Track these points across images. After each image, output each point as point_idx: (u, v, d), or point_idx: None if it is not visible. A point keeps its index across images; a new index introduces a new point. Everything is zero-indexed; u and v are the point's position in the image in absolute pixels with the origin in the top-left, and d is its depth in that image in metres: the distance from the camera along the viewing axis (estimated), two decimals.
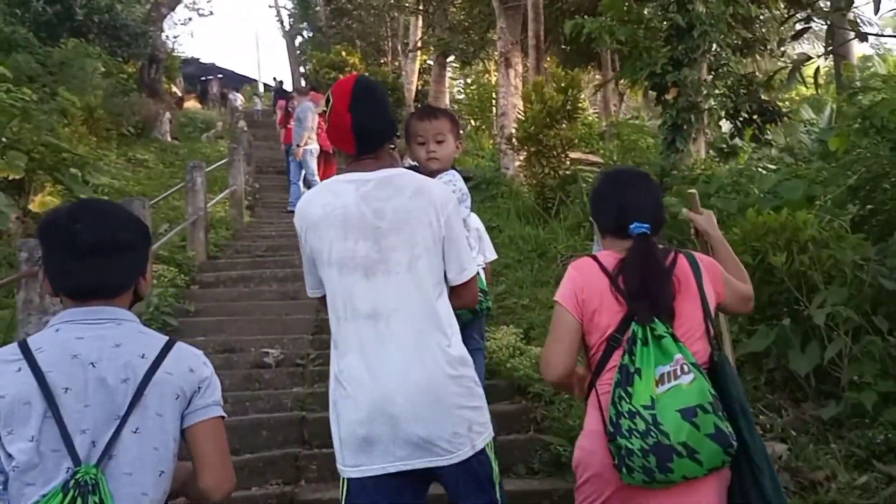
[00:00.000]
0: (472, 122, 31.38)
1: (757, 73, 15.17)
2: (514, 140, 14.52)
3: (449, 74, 32.60)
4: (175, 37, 45.25)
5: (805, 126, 15.12)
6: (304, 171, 16.28)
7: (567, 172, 13.64)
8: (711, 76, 12.87)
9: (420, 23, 29.85)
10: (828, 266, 6.01)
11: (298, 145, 16.23)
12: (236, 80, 52.22)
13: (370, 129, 3.39)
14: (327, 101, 3.45)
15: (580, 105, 14.27)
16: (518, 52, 18.54)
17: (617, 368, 3.07)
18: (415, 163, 4.76)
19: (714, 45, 12.49)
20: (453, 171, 4.84)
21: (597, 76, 26.55)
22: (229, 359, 8.19)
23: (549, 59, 20.47)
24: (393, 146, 3.81)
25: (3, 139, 12.56)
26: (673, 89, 11.95)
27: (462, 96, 37.22)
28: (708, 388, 3.01)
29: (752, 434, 3.13)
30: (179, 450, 2.79)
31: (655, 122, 16.12)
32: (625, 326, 3.11)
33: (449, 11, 27.71)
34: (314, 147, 16.13)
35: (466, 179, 5.03)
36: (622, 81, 18.38)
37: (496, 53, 18.92)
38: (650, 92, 13.31)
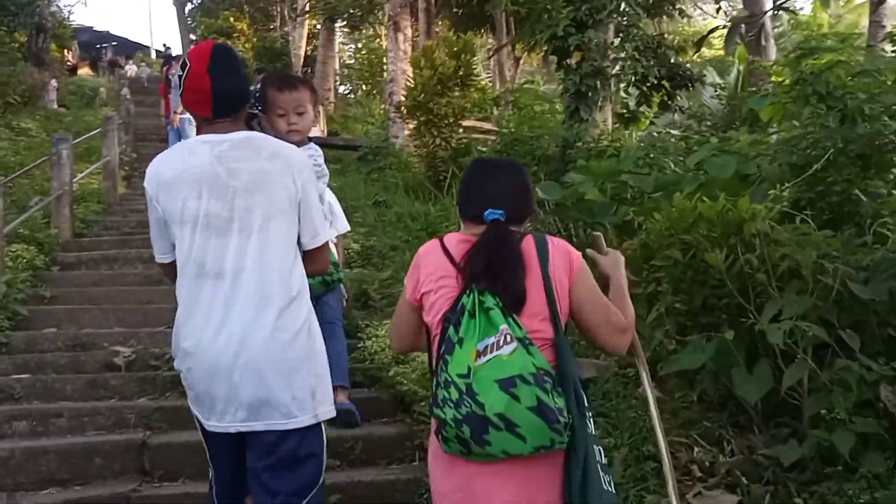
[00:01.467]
0: (363, 87, 30.40)
1: (666, 35, 13.55)
2: (402, 108, 12.66)
3: (339, 39, 31.36)
4: (68, 5, 43.47)
5: (715, 90, 13.52)
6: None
7: (461, 144, 12.06)
8: (619, 38, 11.40)
9: None
10: (783, 267, 4.60)
11: (175, 112, 14.95)
12: (130, 48, 51.13)
13: (228, 92, 3.28)
14: (183, 65, 3.32)
15: (473, 71, 12.64)
16: (407, 16, 16.74)
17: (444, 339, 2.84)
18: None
19: (623, 4, 11.02)
20: (314, 146, 4.74)
21: (490, 40, 25.12)
22: (77, 359, 7.07)
23: (439, 23, 18.94)
24: (255, 115, 3.84)
25: None
26: (576, 53, 10.58)
27: (353, 61, 35.85)
28: (533, 361, 2.69)
29: (582, 420, 2.76)
30: None
31: (552, 88, 14.68)
32: (456, 304, 2.87)
33: None
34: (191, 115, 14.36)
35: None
36: (519, 45, 16.85)
37: (385, 17, 17.18)
38: (551, 56, 11.80)
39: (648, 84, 12.10)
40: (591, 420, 2.85)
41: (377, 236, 10.03)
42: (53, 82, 26.36)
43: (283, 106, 4.50)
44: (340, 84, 31.01)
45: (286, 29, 31.40)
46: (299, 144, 4.14)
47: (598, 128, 10.57)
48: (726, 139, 8.04)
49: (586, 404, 2.83)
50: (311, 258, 3.38)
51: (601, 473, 2.76)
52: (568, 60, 10.71)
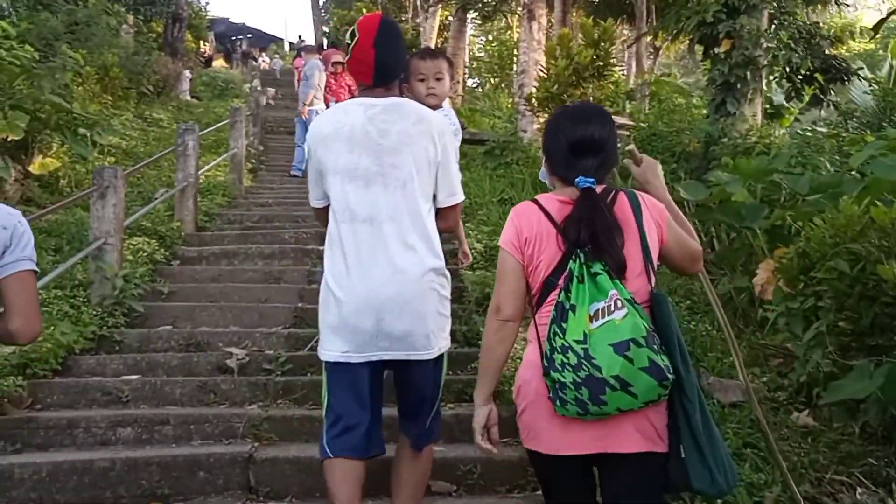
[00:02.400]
0: (491, 80, 29.99)
1: (820, 24, 12.50)
2: (533, 100, 12.03)
3: (470, 32, 30.94)
4: None
5: (869, 85, 12.50)
6: None
7: None
8: (773, 26, 10.54)
9: None
10: None
11: (304, 104, 14.67)
12: (265, 40, 51.81)
13: (389, 63, 3.75)
14: (352, 35, 3.76)
15: (611, 61, 11.96)
16: (542, 3, 15.99)
17: (553, 306, 3.00)
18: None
19: None
20: (448, 107, 5.09)
21: (624, 31, 24.29)
22: (189, 360, 6.78)
23: (575, 11, 18.27)
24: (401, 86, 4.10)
25: (2, 98, 11.48)
26: (726, 41, 9.76)
27: (482, 54, 35.51)
28: (642, 324, 2.88)
29: (688, 369, 2.97)
30: None
31: (690, 82, 13.87)
32: (562, 268, 3.04)
33: None
34: (320, 107, 14.21)
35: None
36: (660, 35, 16.02)
37: (518, 6, 16.56)
38: (696, 46, 11.05)
39: (801, 76, 11.18)
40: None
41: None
42: (187, 73, 26.81)
43: (424, 72, 4.81)
44: (469, 77, 30.53)
45: (417, 20, 31.10)
46: (435, 107, 4.61)
47: (746, 123, 9.77)
48: (884, 136, 7.32)
49: (687, 356, 3.00)
50: (445, 215, 3.83)
51: (711, 418, 3.02)
52: (715, 49, 9.96)
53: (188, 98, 25.83)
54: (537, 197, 3.20)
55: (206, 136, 16.89)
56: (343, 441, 3.66)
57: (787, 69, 10.37)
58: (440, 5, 28.09)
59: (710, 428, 2.97)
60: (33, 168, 11.75)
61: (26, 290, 2.93)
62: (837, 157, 7.86)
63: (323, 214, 3.85)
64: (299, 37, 42.23)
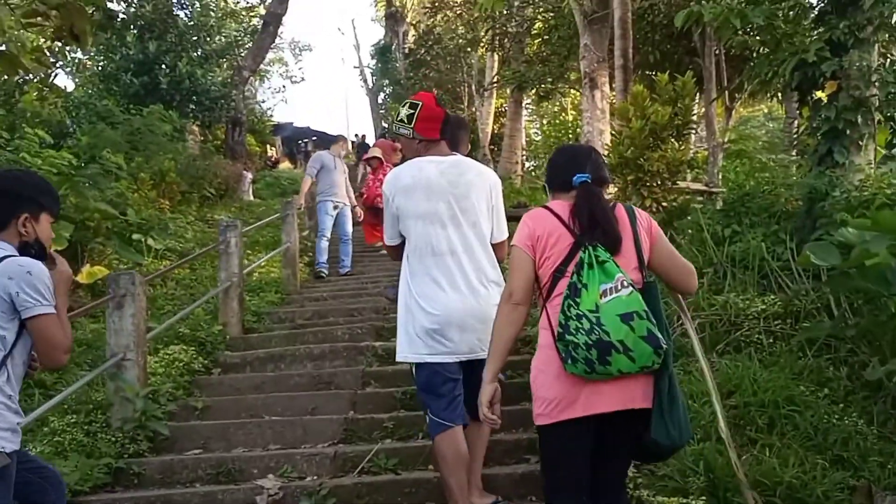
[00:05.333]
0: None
1: None
2: None
3: (525, 117, 29.50)
4: (263, 102, 44.90)
5: None
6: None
7: (674, 204, 9.77)
8: (888, 60, 8.67)
9: (496, 61, 27.26)
10: None
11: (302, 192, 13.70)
12: (328, 141, 51.02)
13: (447, 120, 4.64)
14: (412, 105, 4.59)
15: (692, 119, 10.26)
16: (605, 71, 14.56)
17: (567, 286, 3.40)
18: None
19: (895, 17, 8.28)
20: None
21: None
22: (213, 497, 5.43)
23: (635, 80, 16.77)
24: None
25: None
26: (831, 83, 8.01)
27: (539, 137, 34.22)
28: (642, 302, 3.37)
29: (669, 343, 3.42)
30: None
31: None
32: (570, 258, 3.46)
33: (525, 44, 24.77)
34: (332, 203, 12.89)
35: None
36: (742, 89, 14.39)
37: (581, 74, 15.03)
38: (792, 92, 9.32)
39: None
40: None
41: None
42: (248, 174, 25.98)
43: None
44: (526, 159, 29.36)
45: (473, 108, 30.36)
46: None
47: (861, 172, 7.97)
48: None
49: (669, 332, 3.50)
50: (496, 248, 4.66)
51: (680, 390, 3.55)
52: (815, 93, 8.27)
53: (250, 198, 24.97)
54: (547, 203, 3.69)
55: (262, 232, 15.81)
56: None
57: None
58: (495, 90, 27.18)
59: (675, 392, 3.47)
60: (80, 278, 10.61)
61: (40, 333, 3.40)
62: None
63: (396, 251, 4.71)
64: (356, 135, 41.99)
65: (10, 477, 3.37)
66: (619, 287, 3.32)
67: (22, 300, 3.33)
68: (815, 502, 4.41)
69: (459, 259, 4.39)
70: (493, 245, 4.57)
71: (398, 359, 4.69)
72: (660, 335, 3.32)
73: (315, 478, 5.59)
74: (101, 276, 10.80)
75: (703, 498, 4.40)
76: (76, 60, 24.35)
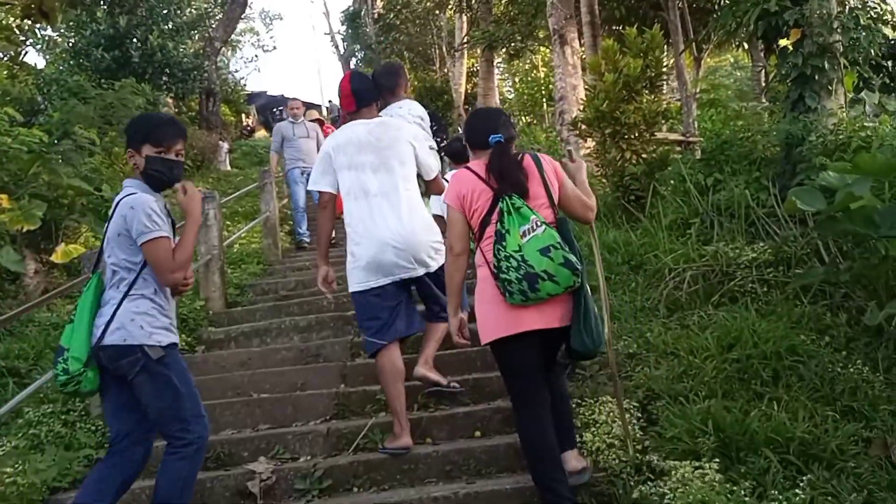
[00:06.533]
0: (524, 118, 28.70)
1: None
2: (580, 124, 10.01)
3: (497, 75, 29.17)
4: (236, 72, 43.98)
5: None
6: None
7: (653, 156, 9.41)
8: (845, 8, 8.50)
9: (465, 23, 26.81)
10: None
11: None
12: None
13: (361, 91, 5.33)
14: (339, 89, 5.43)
15: (663, 70, 9.88)
16: (573, 28, 14.09)
17: (494, 233, 4.11)
18: None
19: None
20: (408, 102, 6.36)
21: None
22: (202, 486, 4.92)
23: (603, 36, 16.43)
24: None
25: (13, 186, 10.42)
26: (795, 31, 7.86)
27: (512, 95, 33.92)
28: (555, 235, 4.08)
29: (582, 266, 4.11)
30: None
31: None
32: (492, 208, 4.15)
33: (492, 4, 24.38)
34: (299, 170, 12.63)
35: None
36: (709, 40, 14.10)
37: (550, 32, 14.59)
38: (758, 41, 9.03)
39: (871, 64, 9.09)
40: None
41: None
42: (224, 145, 25.54)
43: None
44: None
45: (445, 70, 30.06)
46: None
47: (834, 116, 7.76)
48: None
49: (583, 259, 4.19)
50: (431, 184, 5.49)
51: (592, 303, 4.18)
52: (780, 41, 8.08)
53: (227, 168, 24.59)
54: (467, 164, 4.40)
55: (241, 202, 15.35)
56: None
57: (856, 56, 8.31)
58: (466, 50, 26.74)
59: (588, 306, 4.13)
60: (55, 257, 10.20)
61: (152, 256, 3.91)
62: None
63: (328, 199, 5.26)
64: (329, 101, 41.37)
65: (175, 363, 4.01)
66: (535, 227, 4.04)
67: (135, 231, 3.87)
68: (831, 457, 4.12)
69: (387, 197, 5.08)
70: (428, 182, 5.43)
71: (350, 291, 5.20)
72: (574, 259, 4.05)
73: (308, 458, 5.33)
74: (77, 255, 10.32)
75: (717, 460, 4.11)
76: (46, 38, 23.60)
